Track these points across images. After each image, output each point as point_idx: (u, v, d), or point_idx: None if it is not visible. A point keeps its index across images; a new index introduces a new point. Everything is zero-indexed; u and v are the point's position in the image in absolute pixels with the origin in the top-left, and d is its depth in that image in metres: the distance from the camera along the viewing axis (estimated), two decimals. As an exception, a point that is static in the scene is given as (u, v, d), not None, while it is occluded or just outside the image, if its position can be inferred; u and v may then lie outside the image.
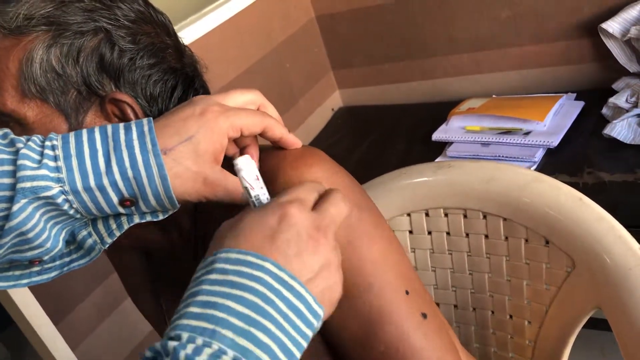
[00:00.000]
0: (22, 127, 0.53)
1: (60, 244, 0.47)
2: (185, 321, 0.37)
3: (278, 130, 0.51)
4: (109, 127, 0.46)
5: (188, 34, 1.44)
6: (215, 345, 0.35)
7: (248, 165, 0.44)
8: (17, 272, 0.51)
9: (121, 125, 0.46)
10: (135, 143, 0.44)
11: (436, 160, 1.46)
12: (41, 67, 0.51)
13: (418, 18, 1.75)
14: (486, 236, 0.79)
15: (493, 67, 1.71)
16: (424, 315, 0.51)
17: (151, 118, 0.46)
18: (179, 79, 0.57)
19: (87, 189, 0.44)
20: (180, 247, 0.59)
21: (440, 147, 1.51)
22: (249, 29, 1.66)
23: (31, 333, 1.13)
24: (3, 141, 0.44)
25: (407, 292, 0.51)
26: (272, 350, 0.37)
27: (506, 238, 0.77)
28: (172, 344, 0.35)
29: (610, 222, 0.67)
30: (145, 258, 0.68)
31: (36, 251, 0.46)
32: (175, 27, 1.57)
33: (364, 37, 1.87)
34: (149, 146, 0.44)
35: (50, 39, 0.51)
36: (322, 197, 0.44)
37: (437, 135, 1.52)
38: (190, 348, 0.35)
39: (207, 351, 0.35)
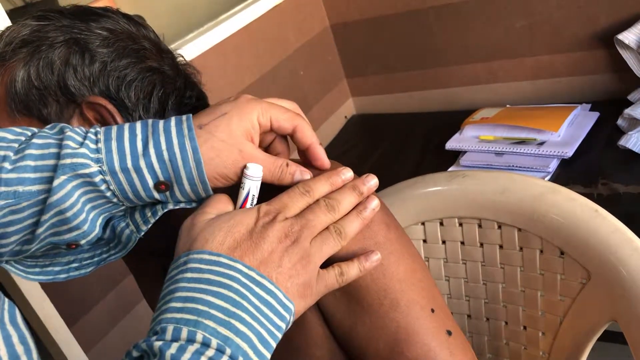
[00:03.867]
0: None
1: (97, 230, 0.48)
2: (169, 315, 0.40)
3: (309, 134, 0.51)
4: (151, 120, 0.48)
5: (203, 41, 1.46)
6: (200, 335, 0.39)
7: (259, 173, 0.47)
8: (57, 268, 0.54)
9: (162, 119, 0.48)
10: (173, 129, 0.46)
11: (449, 169, 1.46)
12: (22, 85, 0.54)
13: (432, 27, 1.75)
14: (501, 246, 0.79)
15: (507, 76, 1.71)
16: (449, 333, 0.50)
17: (190, 115, 0.48)
18: (157, 77, 0.58)
19: (124, 169, 0.45)
20: None
21: (454, 156, 1.51)
22: (264, 36, 1.67)
23: (45, 335, 1.14)
24: (51, 131, 0.47)
25: (432, 310, 0.51)
26: (250, 340, 0.40)
27: (521, 248, 0.77)
28: (158, 344, 0.38)
29: (626, 233, 0.67)
30: (161, 264, 0.68)
31: (74, 233, 0.47)
32: (191, 35, 1.59)
33: (378, 46, 1.88)
34: (185, 131, 0.46)
35: (27, 56, 0.54)
36: (313, 203, 0.48)
37: (451, 144, 1.52)
38: (174, 347, 0.38)
39: (191, 349, 0.38)
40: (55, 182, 0.44)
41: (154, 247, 0.58)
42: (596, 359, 0.81)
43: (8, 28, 0.57)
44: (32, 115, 0.55)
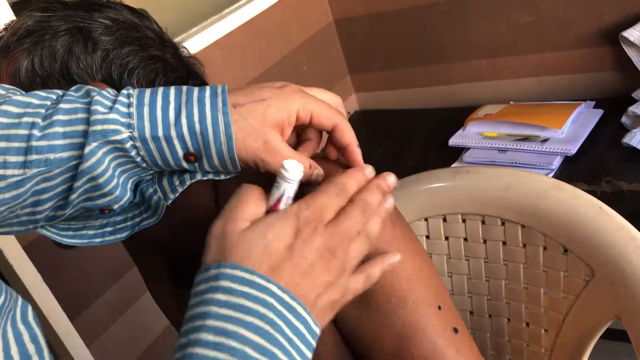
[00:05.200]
0: None
1: (129, 194, 0.48)
2: (200, 351, 0.37)
3: (349, 134, 0.49)
4: (185, 86, 0.47)
5: (207, 35, 1.46)
6: None
7: (298, 175, 0.44)
8: (91, 232, 0.53)
9: (197, 87, 0.47)
10: (207, 101, 0.45)
11: (452, 165, 1.46)
12: (26, 74, 0.54)
13: (436, 23, 1.74)
14: (504, 243, 0.78)
15: (511, 73, 1.70)
16: (455, 330, 0.51)
17: (226, 84, 0.47)
18: (159, 65, 0.58)
19: (155, 138, 0.44)
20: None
21: (457, 153, 1.50)
22: (267, 31, 1.67)
23: (48, 328, 1.14)
24: (76, 93, 0.45)
25: (439, 308, 0.51)
26: None
27: (524, 245, 0.76)
28: None
29: (631, 231, 0.66)
30: (167, 259, 0.68)
31: (107, 198, 0.47)
32: (195, 29, 1.59)
33: (382, 42, 1.87)
34: (220, 105, 0.45)
35: (31, 46, 0.55)
36: (347, 205, 0.44)
37: (454, 141, 1.52)
38: None
39: None
40: (87, 149, 0.43)
41: (160, 239, 0.58)
42: (599, 357, 0.81)
43: (12, 20, 0.57)
44: None
